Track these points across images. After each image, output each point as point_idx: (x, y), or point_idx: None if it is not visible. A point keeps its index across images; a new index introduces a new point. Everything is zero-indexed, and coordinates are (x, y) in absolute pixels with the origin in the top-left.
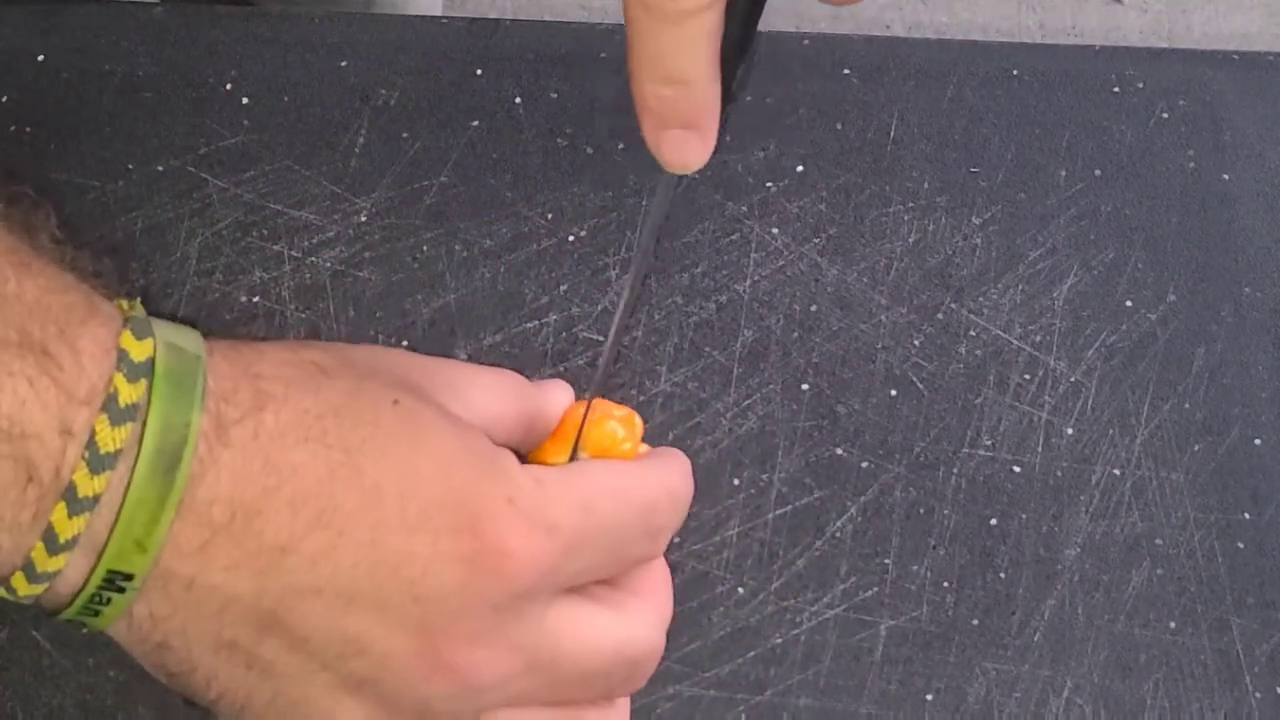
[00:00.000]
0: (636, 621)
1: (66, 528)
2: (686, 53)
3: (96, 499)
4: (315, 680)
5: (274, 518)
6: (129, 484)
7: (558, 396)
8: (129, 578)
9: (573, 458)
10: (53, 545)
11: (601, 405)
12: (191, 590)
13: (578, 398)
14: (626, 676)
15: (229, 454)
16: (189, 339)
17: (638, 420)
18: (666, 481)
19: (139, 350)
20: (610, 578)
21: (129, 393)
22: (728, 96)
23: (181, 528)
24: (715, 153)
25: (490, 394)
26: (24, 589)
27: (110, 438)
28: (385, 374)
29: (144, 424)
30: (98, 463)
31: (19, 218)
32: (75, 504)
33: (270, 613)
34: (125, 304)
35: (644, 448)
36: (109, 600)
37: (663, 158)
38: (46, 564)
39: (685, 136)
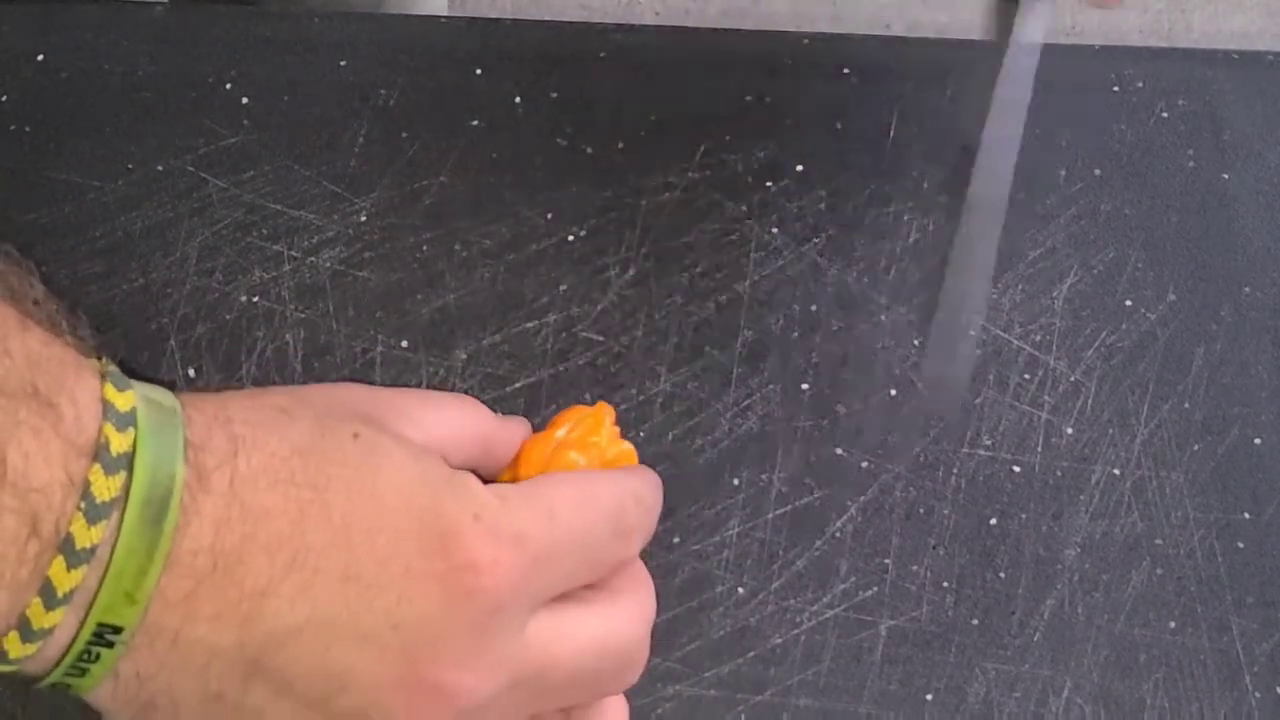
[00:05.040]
0: (616, 615)
1: (64, 581)
2: None
3: (93, 550)
4: None
5: (253, 563)
6: (118, 534)
7: (516, 428)
8: (118, 631)
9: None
10: (50, 600)
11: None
12: (177, 645)
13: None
14: (616, 672)
15: (210, 502)
16: (161, 393)
17: (608, 419)
18: (631, 485)
19: (123, 401)
20: (587, 583)
21: (119, 442)
22: None
23: (168, 579)
24: (715, 153)
25: (446, 418)
26: (16, 650)
27: (105, 487)
28: (342, 409)
29: (131, 474)
30: (94, 513)
31: (7, 280)
32: (73, 556)
33: (254, 660)
34: (101, 362)
35: (626, 445)
36: (97, 657)
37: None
38: (42, 620)
39: None
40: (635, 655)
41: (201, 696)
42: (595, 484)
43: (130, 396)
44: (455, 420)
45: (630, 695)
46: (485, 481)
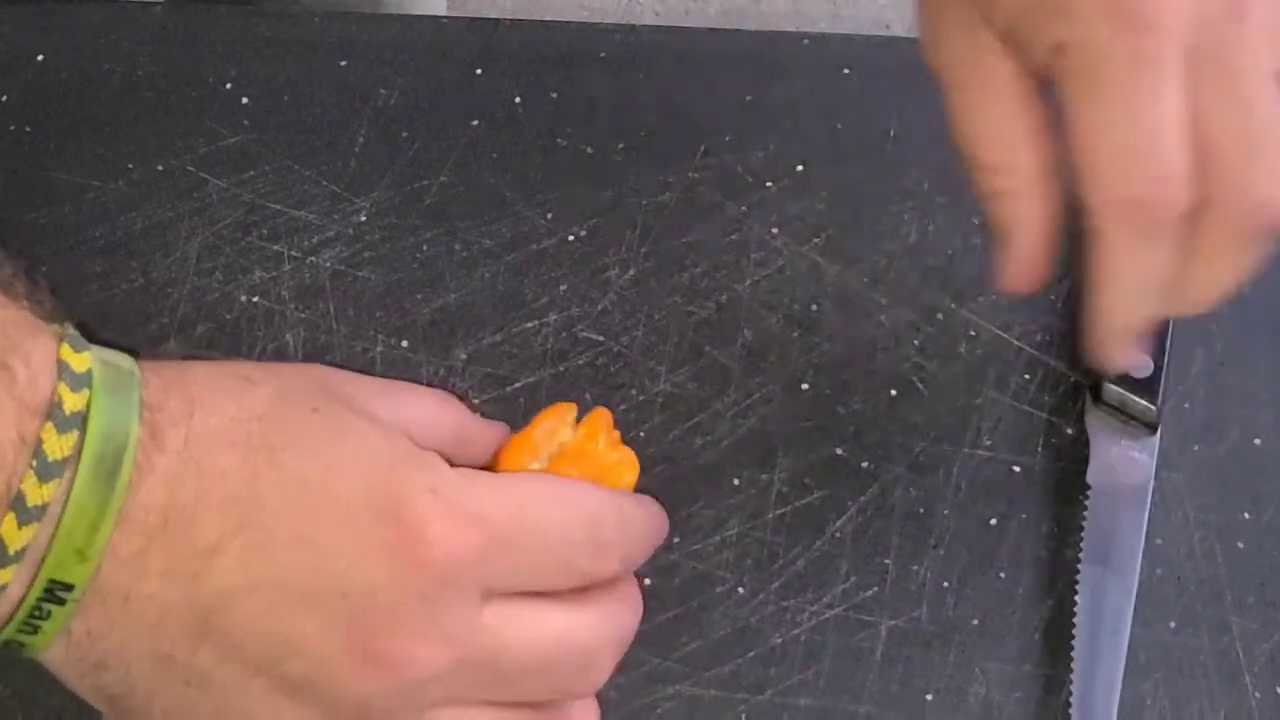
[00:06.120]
0: (583, 615)
1: (15, 538)
2: (1165, 266)
3: (44, 508)
4: (252, 689)
5: (205, 521)
6: (70, 492)
7: (493, 429)
8: (69, 588)
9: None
10: (1, 557)
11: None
12: (128, 603)
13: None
14: (578, 669)
15: (164, 460)
16: (120, 356)
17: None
18: (618, 502)
19: (78, 362)
20: (566, 589)
21: (73, 401)
22: None
23: (120, 536)
24: (715, 153)
25: (419, 405)
26: None
27: (57, 445)
28: (311, 383)
29: (84, 433)
30: (45, 471)
31: None
32: (24, 513)
33: (204, 619)
34: (60, 327)
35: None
36: (49, 614)
37: (1120, 362)
38: None
39: (1136, 345)
40: (597, 658)
41: (153, 657)
42: (574, 488)
43: (86, 358)
44: (429, 409)
45: (630, 695)
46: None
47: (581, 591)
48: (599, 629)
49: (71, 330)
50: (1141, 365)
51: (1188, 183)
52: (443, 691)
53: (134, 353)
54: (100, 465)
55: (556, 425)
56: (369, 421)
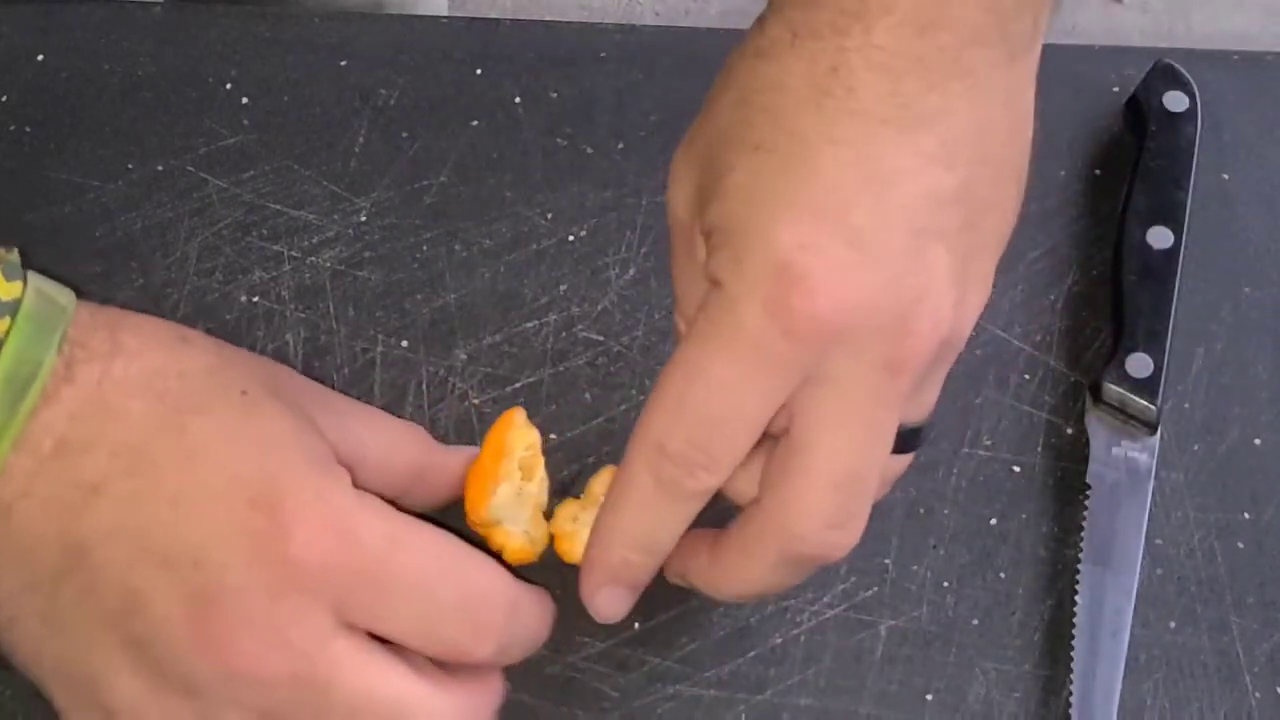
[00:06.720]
0: (433, 687)
1: None
2: (675, 528)
3: None
4: (98, 642)
5: (95, 458)
6: None
7: (461, 456)
8: None
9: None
10: None
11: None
12: (9, 521)
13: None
14: None
15: (71, 392)
16: (61, 293)
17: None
18: (516, 591)
19: (6, 290)
20: (429, 654)
21: None
22: None
23: (15, 456)
24: None
25: (379, 432)
26: None
27: None
28: (257, 373)
29: None
30: None
31: None
32: None
33: (70, 555)
34: (3, 251)
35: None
36: None
37: (596, 609)
38: None
39: (625, 595)
40: None
41: (20, 583)
42: (471, 557)
43: (17, 287)
44: (388, 439)
45: (630, 695)
46: (408, 507)
47: (443, 666)
48: (442, 711)
49: (10, 257)
50: (614, 620)
51: (725, 473)
52: (271, 703)
53: (80, 291)
54: (8, 388)
55: (514, 429)
56: (292, 419)
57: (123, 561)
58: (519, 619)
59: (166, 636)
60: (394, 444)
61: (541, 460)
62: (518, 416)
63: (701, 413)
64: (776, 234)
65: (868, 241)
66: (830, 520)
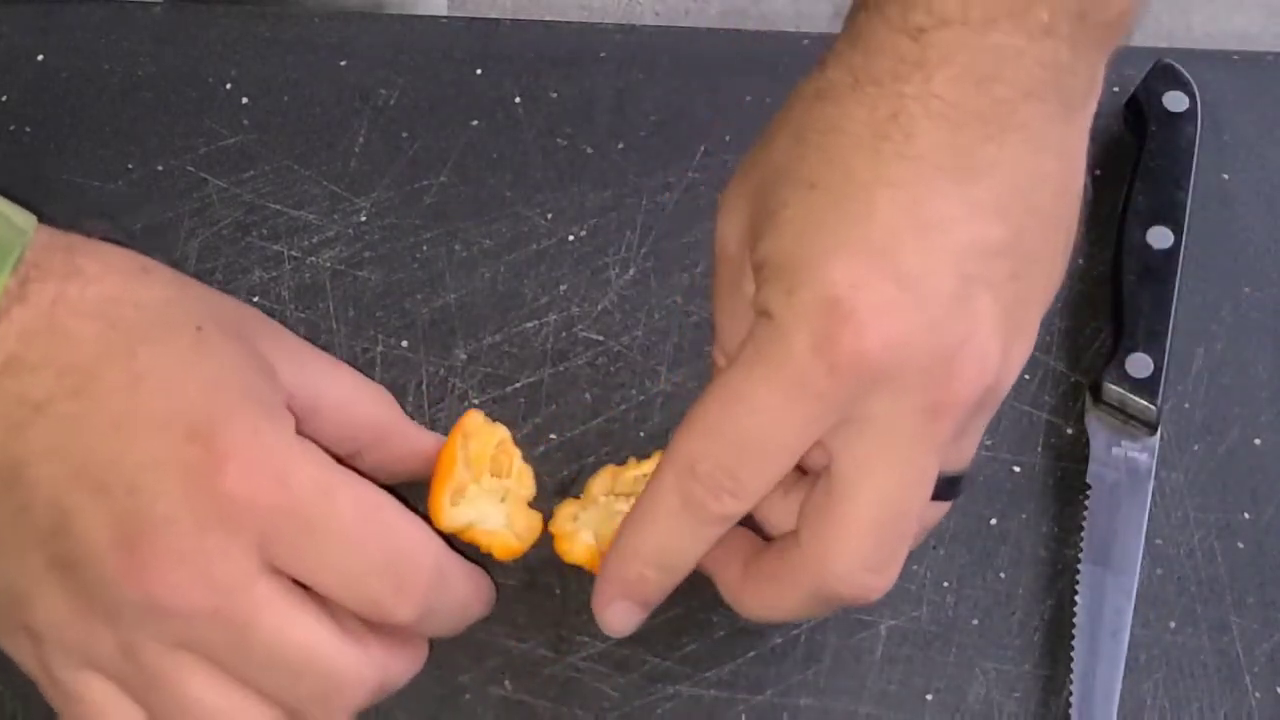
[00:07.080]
0: (351, 641)
1: None
2: (696, 550)
3: None
4: (27, 561)
5: (41, 377)
6: None
7: (425, 438)
8: None
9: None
10: None
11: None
12: None
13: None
14: (317, 692)
15: (21, 311)
16: (23, 217)
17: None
18: (445, 557)
19: None
20: (352, 608)
21: None
22: None
23: None
24: (715, 153)
25: (342, 386)
26: None
27: None
28: (221, 311)
29: None
30: None
31: None
32: None
33: (9, 468)
34: None
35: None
36: None
37: (606, 621)
38: None
39: (637, 611)
40: (342, 692)
41: None
42: (403, 518)
43: None
44: (349, 394)
45: (630, 695)
46: (368, 473)
47: (365, 623)
48: (357, 665)
49: None
50: (623, 634)
51: (751, 501)
52: (189, 636)
53: (43, 217)
54: None
55: (477, 433)
56: (244, 358)
57: (59, 482)
58: (446, 586)
59: (93, 560)
60: (352, 398)
61: (517, 452)
62: (472, 421)
63: (736, 437)
64: (829, 271)
65: (917, 284)
66: (868, 563)
